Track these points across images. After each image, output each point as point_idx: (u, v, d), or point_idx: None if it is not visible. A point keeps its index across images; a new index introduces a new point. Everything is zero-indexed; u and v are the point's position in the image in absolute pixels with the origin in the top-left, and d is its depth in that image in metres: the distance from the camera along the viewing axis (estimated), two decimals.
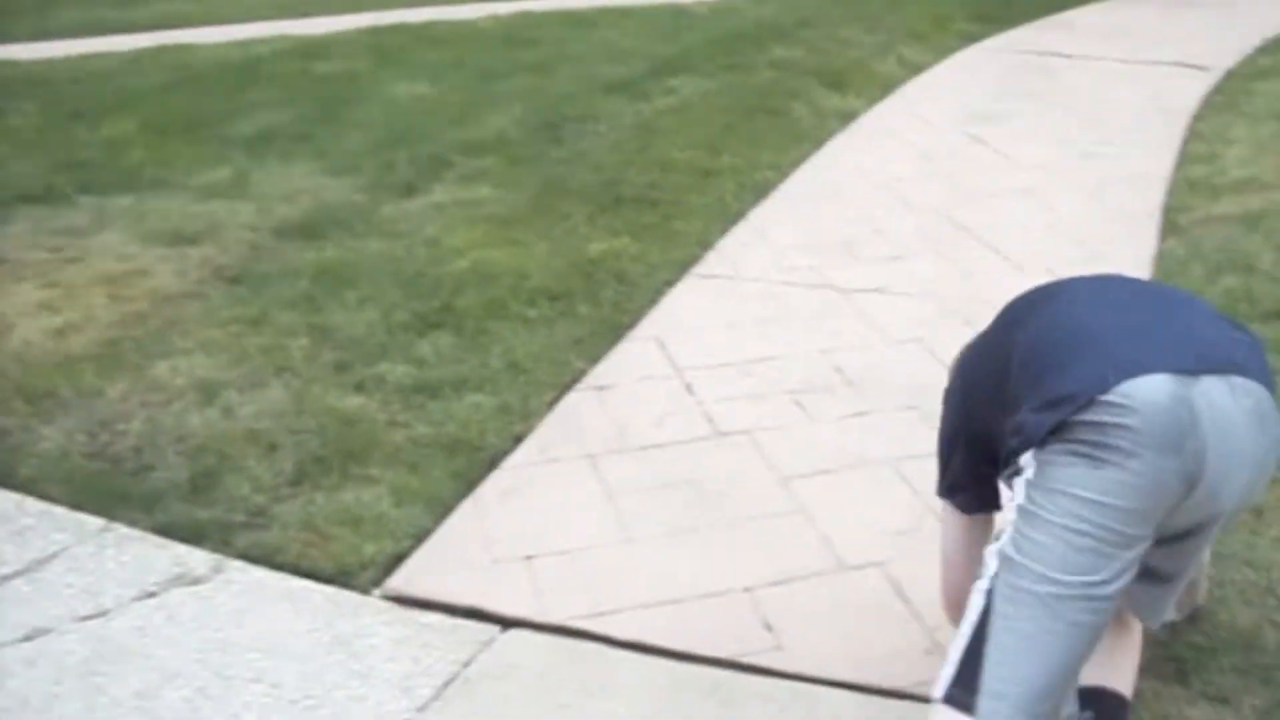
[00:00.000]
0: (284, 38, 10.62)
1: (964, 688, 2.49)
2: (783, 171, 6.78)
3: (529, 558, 3.65)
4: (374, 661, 3.26)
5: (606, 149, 7.15)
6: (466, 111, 8.10)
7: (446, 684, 3.18)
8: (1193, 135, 7.49)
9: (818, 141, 7.32)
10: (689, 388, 4.52)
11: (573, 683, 3.18)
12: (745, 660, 3.25)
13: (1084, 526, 2.40)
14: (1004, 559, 2.48)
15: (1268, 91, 8.36)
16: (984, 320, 4.85)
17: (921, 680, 3.12)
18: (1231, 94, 8.40)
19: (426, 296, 5.22)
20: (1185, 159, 7.03)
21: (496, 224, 6.05)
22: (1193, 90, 8.45)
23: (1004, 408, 2.62)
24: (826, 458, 4.07)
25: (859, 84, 8.61)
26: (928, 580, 3.47)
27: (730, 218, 6.16)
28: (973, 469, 2.89)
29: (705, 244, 5.83)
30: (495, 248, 5.73)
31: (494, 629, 3.38)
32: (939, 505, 3.13)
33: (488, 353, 4.75)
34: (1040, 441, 2.45)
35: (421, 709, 3.10)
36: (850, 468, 4.02)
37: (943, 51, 9.66)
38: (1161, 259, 5.58)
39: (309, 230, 6.04)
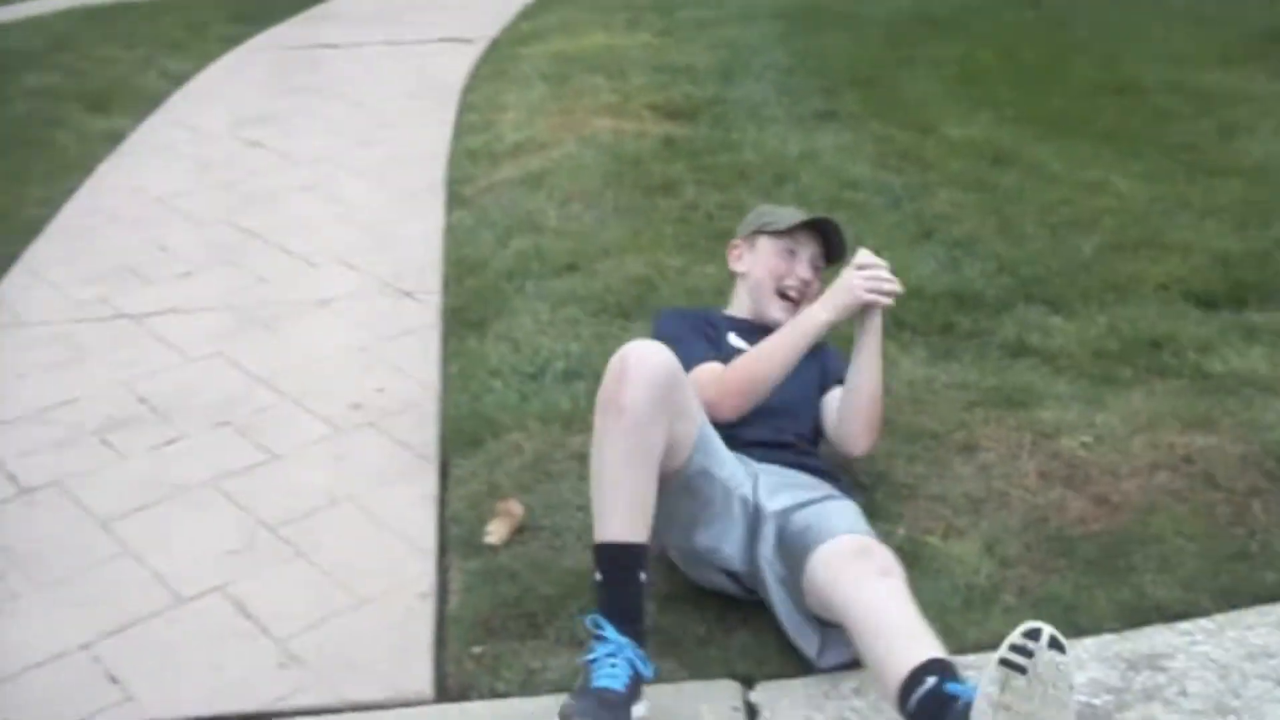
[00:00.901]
0: None
1: None
2: (54, 204, 6.37)
3: None
4: None
5: None
6: None
7: None
8: (466, 107, 7.65)
9: (87, 168, 6.94)
10: None
11: None
12: None
13: None
14: None
15: (532, 55, 8.66)
16: (286, 325, 4.82)
17: (280, 695, 3.02)
18: (499, 62, 8.65)
19: None
20: (462, 131, 7.16)
21: None
22: (461, 63, 8.64)
23: None
24: (144, 492, 3.86)
25: (123, 102, 8.26)
26: (269, 594, 3.38)
27: None
28: None
29: None
30: None
31: None
32: None
33: None
34: None
35: None
36: (170, 498, 3.83)
37: (204, 58, 9.40)
38: (451, 231, 5.66)
39: None
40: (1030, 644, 2.43)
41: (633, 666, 2.82)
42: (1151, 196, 5.80)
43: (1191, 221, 5.51)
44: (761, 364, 3.43)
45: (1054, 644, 2.43)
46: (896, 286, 3.42)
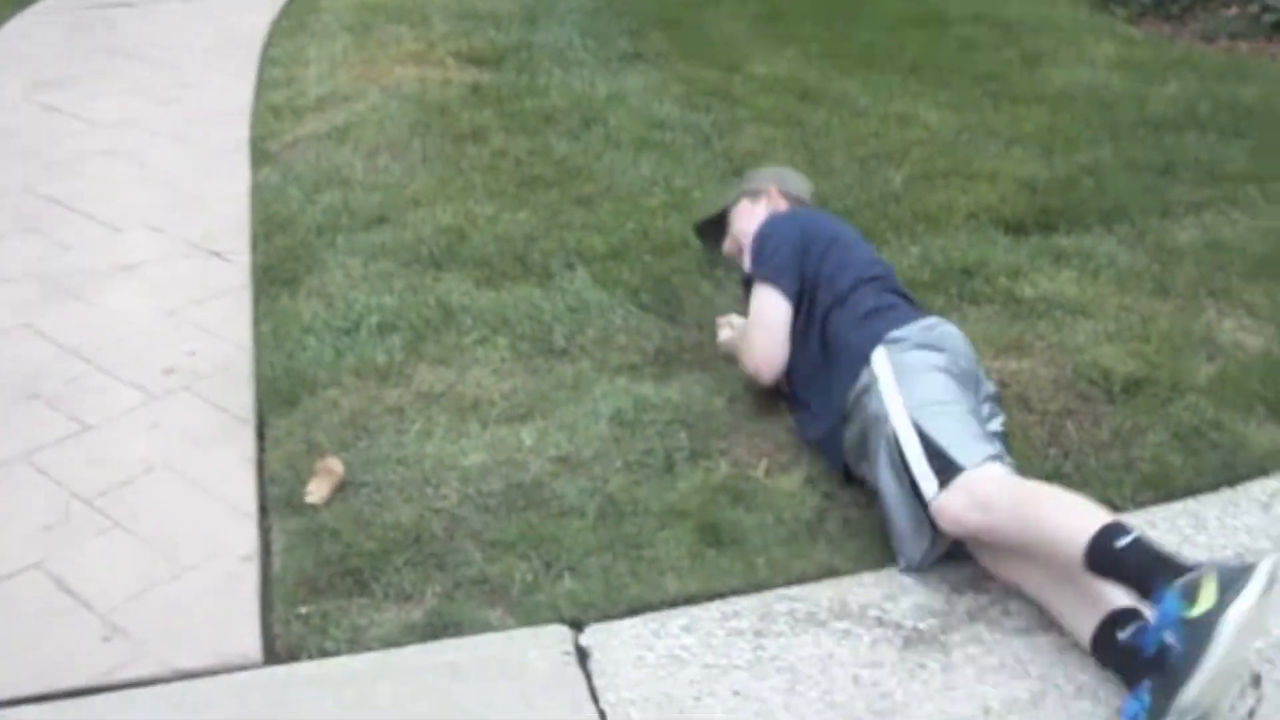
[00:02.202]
0: None
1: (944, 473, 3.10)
2: None
3: None
4: None
5: None
6: None
7: None
8: (268, 62, 7.50)
9: None
10: None
11: None
12: None
13: None
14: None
15: (333, 6, 8.51)
16: (93, 292, 4.71)
17: (107, 669, 2.98)
18: (299, 15, 8.49)
19: None
20: (265, 86, 7.02)
21: None
22: (261, 18, 8.47)
23: None
24: None
25: None
26: (88, 568, 3.32)
27: None
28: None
29: None
30: None
31: None
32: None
33: None
34: None
35: None
36: None
37: None
38: (258, 189, 5.56)
39: None
40: None
41: None
42: (959, 127, 5.91)
43: (999, 150, 5.63)
44: None
45: None
46: None
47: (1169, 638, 2.60)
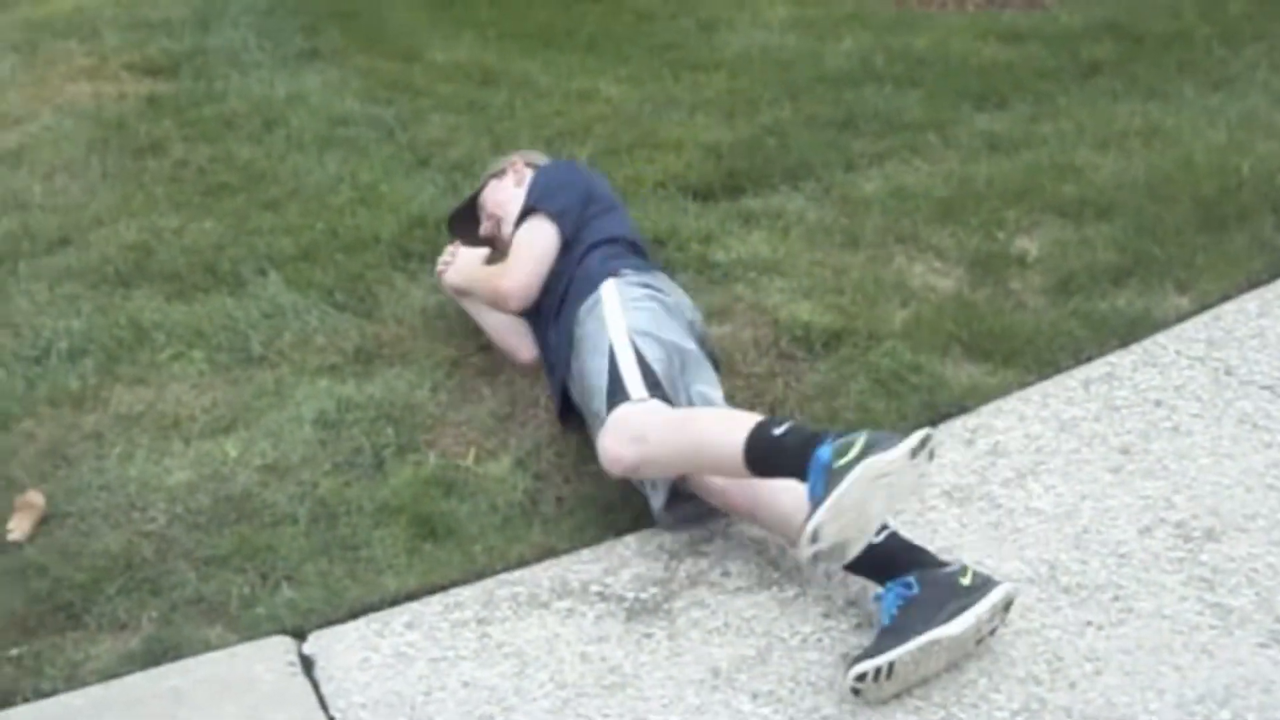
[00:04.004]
0: None
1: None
2: None
3: None
4: None
5: None
6: None
7: None
8: None
9: None
10: None
11: None
12: None
13: None
14: None
15: None
16: None
17: None
18: None
19: None
20: None
21: None
22: None
23: None
24: None
25: None
26: None
27: None
28: None
29: None
30: None
31: None
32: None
33: None
34: None
35: None
36: None
37: None
38: None
39: None
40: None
41: None
42: (641, 98, 5.98)
43: (682, 118, 5.72)
44: None
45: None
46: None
47: (815, 485, 2.78)
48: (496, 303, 3.86)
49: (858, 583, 3.08)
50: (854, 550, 2.83)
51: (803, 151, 5.28)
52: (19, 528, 3.41)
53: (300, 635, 3.06)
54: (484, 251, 4.09)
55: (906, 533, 3.09)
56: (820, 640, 2.96)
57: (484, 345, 4.06)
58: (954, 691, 2.80)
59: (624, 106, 5.89)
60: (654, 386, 3.24)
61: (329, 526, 3.37)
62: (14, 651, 3.06)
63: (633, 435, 3.13)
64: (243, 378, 4.00)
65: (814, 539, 2.75)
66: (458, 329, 4.16)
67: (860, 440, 2.79)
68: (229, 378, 4.00)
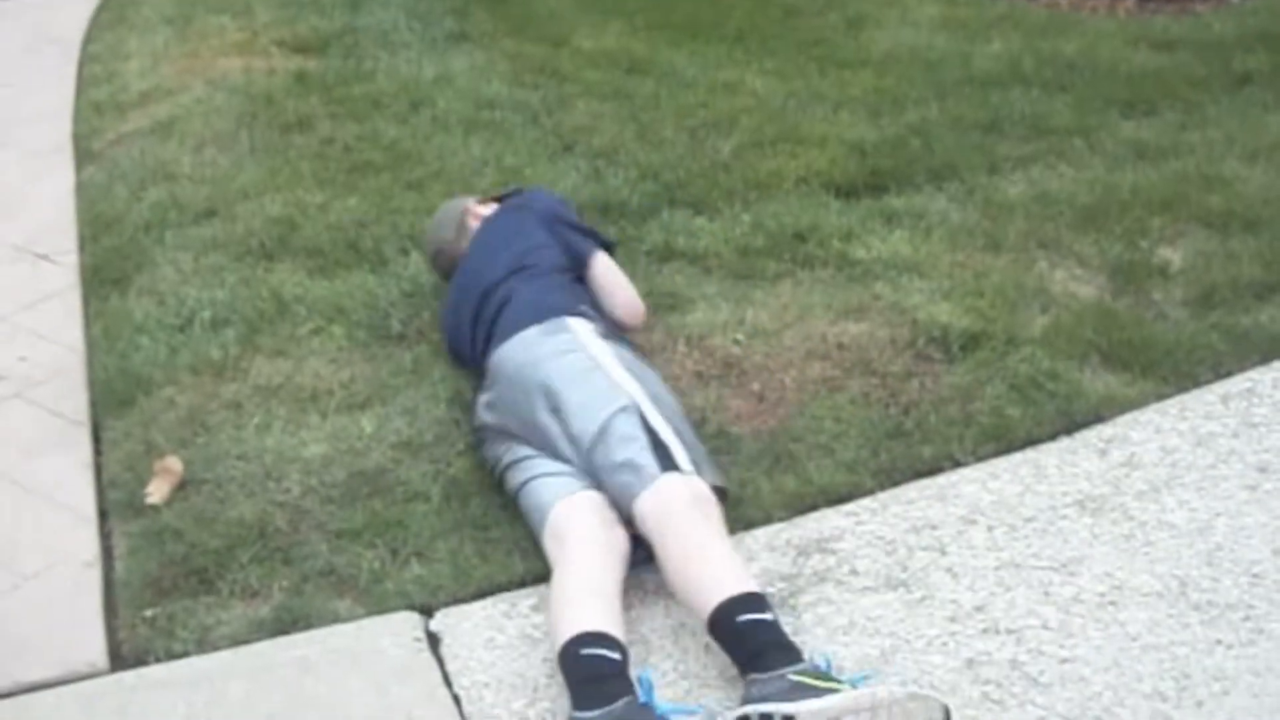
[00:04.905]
0: None
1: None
2: None
3: None
4: None
5: None
6: None
7: None
8: (88, 58, 7.33)
9: None
10: None
11: None
12: None
13: None
14: None
15: (152, 1, 8.34)
16: None
17: None
18: (118, 10, 8.27)
19: None
20: (85, 84, 6.86)
21: None
22: (78, 14, 8.25)
23: None
24: None
25: None
26: None
27: None
28: None
29: None
30: None
31: None
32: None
33: None
34: None
35: None
36: None
37: None
38: (83, 188, 5.46)
39: None
40: None
41: None
42: (786, 93, 5.95)
43: (826, 114, 5.68)
44: None
45: None
46: None
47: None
48: (629, 314, 3.89)
49: (986, 588, 3.05)
50: None
51: (947, 152, 5.23)
52: (157, 492, 3.48)
53: (427, 612, 3.09)
54: None
55: (1036, 542, 3.06)
56: (945, 644, 2.93)
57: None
58: (1079, 704, 2.75)
59: (769, 100, 5.87)
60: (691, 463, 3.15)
61: (461, 505, 3.40)
62: (148, 613, 3.13)
63: (689, 502, 3.04)
64: (381, 354, 4.05)
65: None
66: None
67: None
68: (367, 354, 4.05)
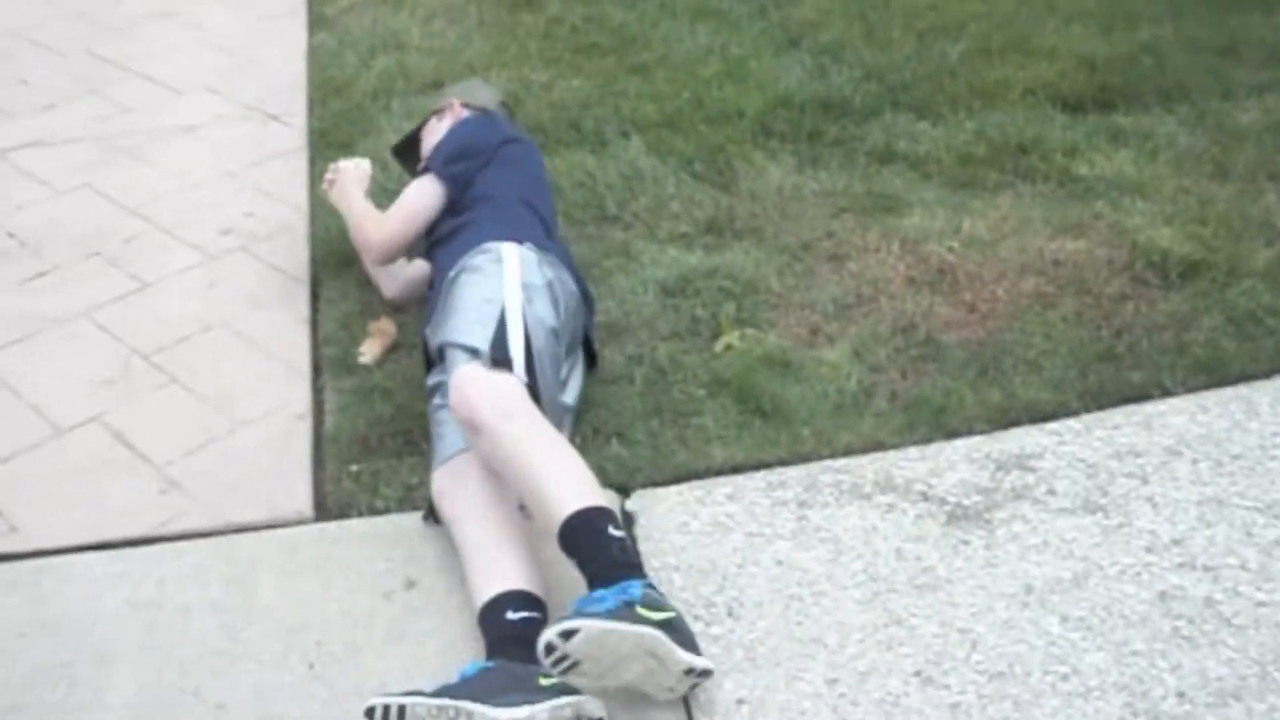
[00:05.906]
0: None
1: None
2: None
3: None
4: None
5: None
6: None
7: None
8: None
9: None
10: None
11: None
12: None
13: None
14: None
15: None
16: (152, 153, 4.76)
17: (163, 520, 3.07)
18: None
19: None
20: None
21: None
22: None
23: None
24: (17, 326, 3.83)
25: None
26: (146, 422, 3.39)
27: None
28: None
29: None
30: None
31: None
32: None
33: None
34: None
35: None
36: (43, 331, 3.80)
37: None
38: (314, 53, 5.57)
39: None
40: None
41: None
42: (1018, 1, 5.82)
43: (1058, 26, 5.54)
44: None
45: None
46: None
47: (606, 601, 2.56)
48: (359, 247, 3.78)
49: (1186, 522, 3.00)
50: (580, 691, 2.53)
51: (1179, 74, 5.07)
52: (370, 352, 3.57)
53: (624, 491, 3.12)
54: (367, 176, 3.98)
55: (1242, 480, 3.00)
56: (1139, 574, 2.87)
57: (832, 231, 4.06)
58: (1273, 650, 2.67)
59: (1000, 7, 5.74)
60: (530, 373, 2.99)
61: (663, 390, 3.43)
62: (354, 468, 3.22)
63: (502, 409, 2.84)
64: (595, 235, 4.09)
65: (564, 637, 2.48)
66: (811, 211, 4.16)
67: (669, 614, 2.56)
68: (581, 233, 4.09)
